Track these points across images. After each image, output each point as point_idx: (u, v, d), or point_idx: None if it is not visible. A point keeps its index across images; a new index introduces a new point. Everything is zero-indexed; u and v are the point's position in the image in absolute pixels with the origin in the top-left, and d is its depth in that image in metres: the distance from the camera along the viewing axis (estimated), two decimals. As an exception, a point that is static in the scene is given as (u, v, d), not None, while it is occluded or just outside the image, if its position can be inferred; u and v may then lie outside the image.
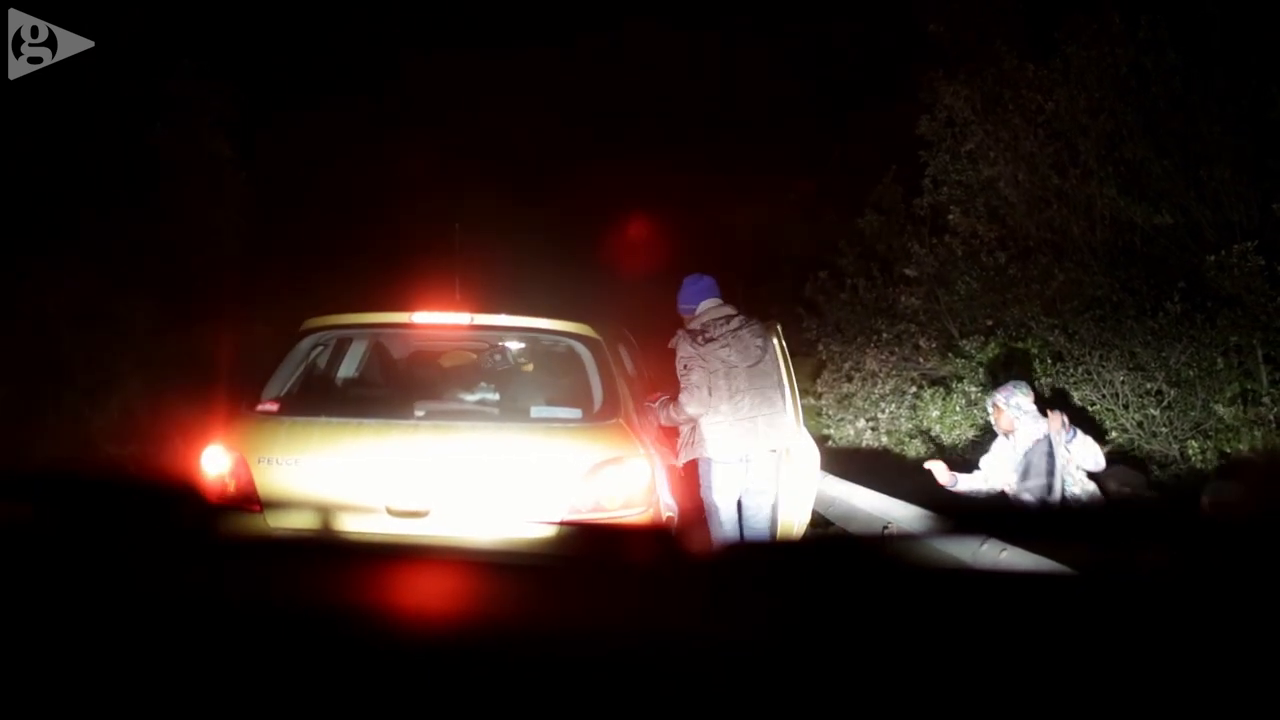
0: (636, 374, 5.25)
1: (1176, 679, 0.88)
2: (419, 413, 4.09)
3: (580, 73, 16.71)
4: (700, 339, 4.75)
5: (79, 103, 9.04)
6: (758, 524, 4.90)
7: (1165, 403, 6.27)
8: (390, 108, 15.19)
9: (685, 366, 4.69)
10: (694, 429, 4.74)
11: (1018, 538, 2.92)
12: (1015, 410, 5.37)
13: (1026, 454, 5.38)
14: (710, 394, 4.64)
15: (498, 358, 5.24)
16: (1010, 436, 5.40)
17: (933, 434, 8.82)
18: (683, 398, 4.64)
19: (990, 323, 8.43)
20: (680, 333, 4.85)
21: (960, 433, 8.49)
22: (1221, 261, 5.71)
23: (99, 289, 9.12)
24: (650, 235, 15.84)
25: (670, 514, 4.17)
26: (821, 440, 5.21)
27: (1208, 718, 0.85)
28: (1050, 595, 1.11)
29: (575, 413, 4.14)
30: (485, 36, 17.27)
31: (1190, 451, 6.04)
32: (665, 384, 5.18)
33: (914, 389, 9.48)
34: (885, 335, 10.26)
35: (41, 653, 0.97)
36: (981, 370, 8.36)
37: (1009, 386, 5.60)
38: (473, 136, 16.12)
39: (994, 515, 2.46)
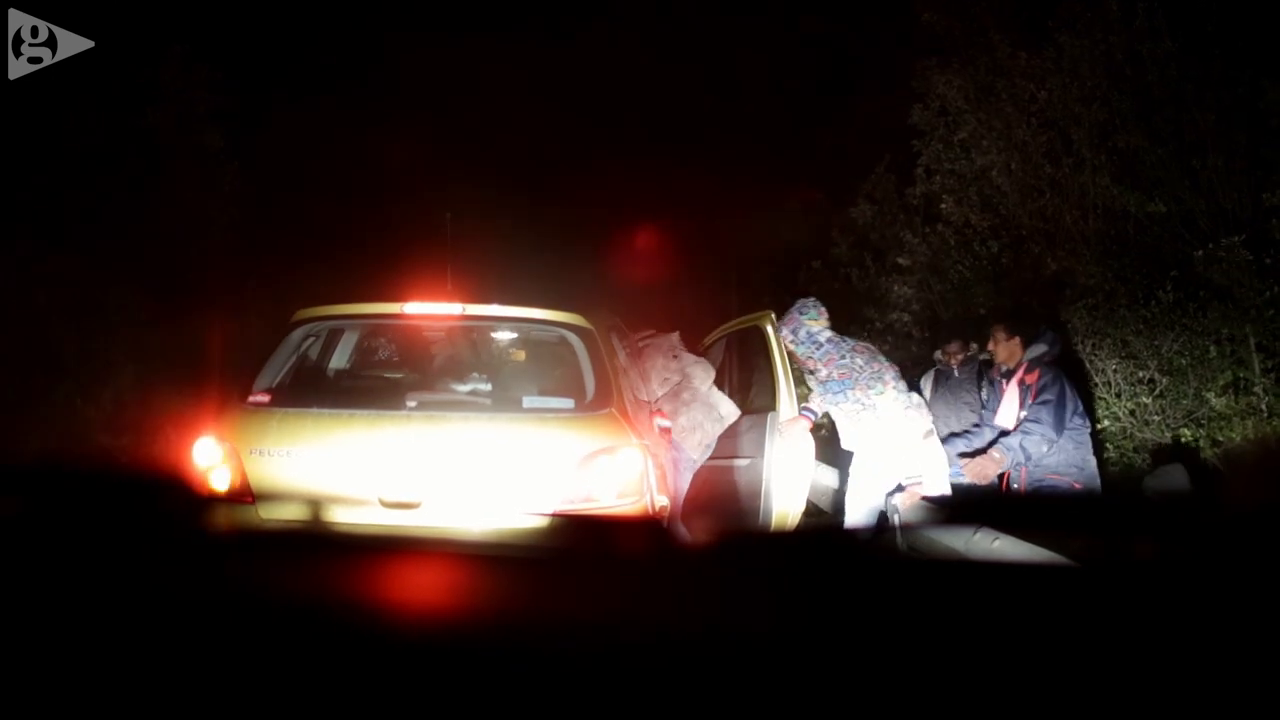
0: (629, 364, 5.25)
1: (1169, 670, 0.88)
2: (411, 403, 4.06)
3: (574, 64, 16.68)
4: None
5: (70, 93, 8.98)
6: None
7: (1157, 391, 6.28)
8: (383, 98, 15.14)
9: (690, 358, 5.46)
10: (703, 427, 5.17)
11: (1010, 527, 2.93)
12: (807, 345, 4.85)
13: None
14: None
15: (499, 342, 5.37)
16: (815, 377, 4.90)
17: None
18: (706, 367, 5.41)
19: (983, 311, 8.43)
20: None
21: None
22: (1210, 254, 5.72)
23: (91, 280, 9.08)
24: (644, 226, 15.84)
25: (663, 505, 4.17)
26: (815, 430, 5.24)
27: (1201, 708, 0.85)
28: (1042, 584, 1.11)
29: (568, 403, 4.13)
30: (481, 27, 17.21)
31: (1183, 440, 6.05)
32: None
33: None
34: (878, 324, 10.27)
35: (33, 646, 0.96)
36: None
37: (794, 312, 4.93)
38: (467, 127, 16.10)
39: (986, 505, 2.47)
